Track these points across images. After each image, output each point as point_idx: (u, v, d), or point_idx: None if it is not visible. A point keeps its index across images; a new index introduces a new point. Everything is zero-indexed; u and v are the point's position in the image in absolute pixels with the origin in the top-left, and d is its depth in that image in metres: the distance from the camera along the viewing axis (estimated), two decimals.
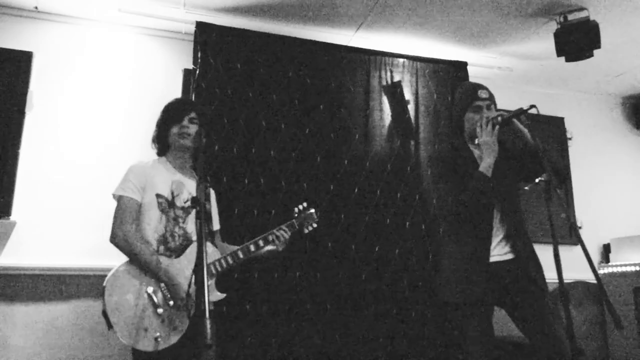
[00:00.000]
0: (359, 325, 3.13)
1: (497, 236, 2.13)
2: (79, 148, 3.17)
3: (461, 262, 2.11)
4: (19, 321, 2.86)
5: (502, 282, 2.09)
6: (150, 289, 1.99)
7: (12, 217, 2.96)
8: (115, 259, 2.04)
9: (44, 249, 2.96)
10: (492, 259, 2.10)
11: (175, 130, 2.20)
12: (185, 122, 2.20)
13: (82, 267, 2.96)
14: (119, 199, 2.11)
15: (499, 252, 2.12)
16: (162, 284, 2.01)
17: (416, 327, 3.23)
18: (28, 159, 3.06)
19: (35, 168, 3.06)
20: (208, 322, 1.22)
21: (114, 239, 2.06)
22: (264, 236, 2.24)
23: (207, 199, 2.20)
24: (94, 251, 2.96)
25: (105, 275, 2.00)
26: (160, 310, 1.97)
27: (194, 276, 1.43)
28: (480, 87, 2.27)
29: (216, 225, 2.40)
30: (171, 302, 1.99)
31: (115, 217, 2.08)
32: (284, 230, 2.27)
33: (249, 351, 2.90)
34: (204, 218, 1.44)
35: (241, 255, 2.17)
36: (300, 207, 2.35)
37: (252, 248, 2.20)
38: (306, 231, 2.36)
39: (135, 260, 2.01)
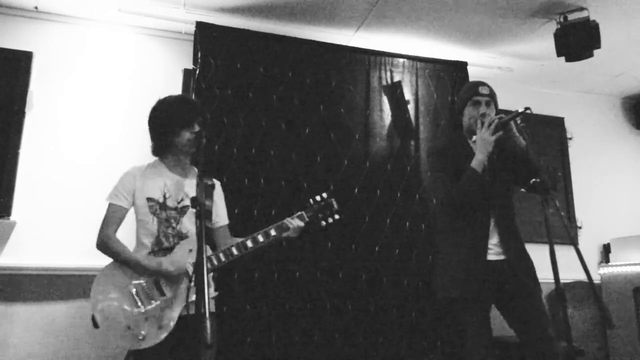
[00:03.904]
0: (359, 325, 3.13)
1: (493, 235, 2.15)
2: (79, 148, 3.17)
3: (459, 257, 2.13)
4: (19, 321, 2.86)
5: (498, 280, 2.11)
6: (132, 288, 1.97)
7: (12, 217, 2.96)
8: None
9: (44, 249, 2.97)
10: (489, 257, 2.12)
11: (187, 135, 2.09)
12: (197, 127, 2.10)
13: (82, 267, 2.95)
14: (108, 206, 2.10)
15: (495, 251, 2.14)
16: (144, 282, 1.98)
17: (416, 327, 3.23)
18: (28, 159, 3.06)
19: (35, 168, 3.06)
20: (208, 322, 1.21)
21: (96, 245, 2.08)
22: (265, 231, 2.09)
23: (209, 194, 2.16)
24: (94, 251, 2.91)
25: None
26: (143, 309, 1.94)
27: (193, 275, 1.42)
28: (482, 84, 2.28)
29: (223, 221, 2.27)
30: (155, 300, 1.95)
31: (100, 225, 2.09)
32: (288, 223, 2.10)
33: (249, 351, 2.90)
34: (204, 217, 1.43)
35: (235, 252, 2.04)
36: (318, 197, 2.17)
37: (250, 244, 2.07)
38: (324, 224, 2.17)
39: (118, 259, 2.02)
